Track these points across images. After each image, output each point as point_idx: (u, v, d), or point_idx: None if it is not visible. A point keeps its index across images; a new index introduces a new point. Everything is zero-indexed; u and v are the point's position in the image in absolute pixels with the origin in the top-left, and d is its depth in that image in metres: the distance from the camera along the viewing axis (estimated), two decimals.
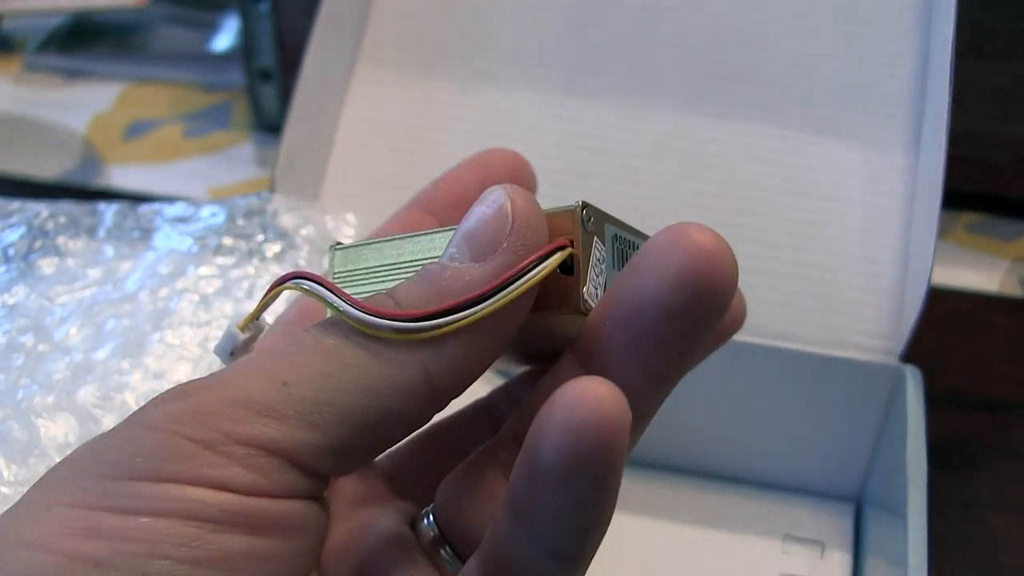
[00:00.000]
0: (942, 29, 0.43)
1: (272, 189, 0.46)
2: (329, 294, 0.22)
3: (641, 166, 0.45)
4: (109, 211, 0.45)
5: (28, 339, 0.39)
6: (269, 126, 0.66)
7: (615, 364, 0.21)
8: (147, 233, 0.43)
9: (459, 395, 0.22)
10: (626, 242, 0.24)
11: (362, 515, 0.26)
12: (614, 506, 0.20)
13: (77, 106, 0.70)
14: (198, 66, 0.73)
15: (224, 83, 0.71)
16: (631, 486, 0.46)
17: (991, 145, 0.59)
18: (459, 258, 0.22)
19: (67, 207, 0.45)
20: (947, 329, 0.54)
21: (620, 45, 0.47)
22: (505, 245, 0.21)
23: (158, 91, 0.71)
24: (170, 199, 0.47)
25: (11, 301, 0.41)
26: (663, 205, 0.45)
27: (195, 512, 0.20)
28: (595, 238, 0.22)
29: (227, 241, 0.44)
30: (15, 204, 0.45)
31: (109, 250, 0.42)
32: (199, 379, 0.21)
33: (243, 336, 0.24)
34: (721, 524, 0.45)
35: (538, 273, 0.21)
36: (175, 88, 0.71)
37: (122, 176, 0.64)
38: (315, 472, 0.21)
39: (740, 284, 0.23)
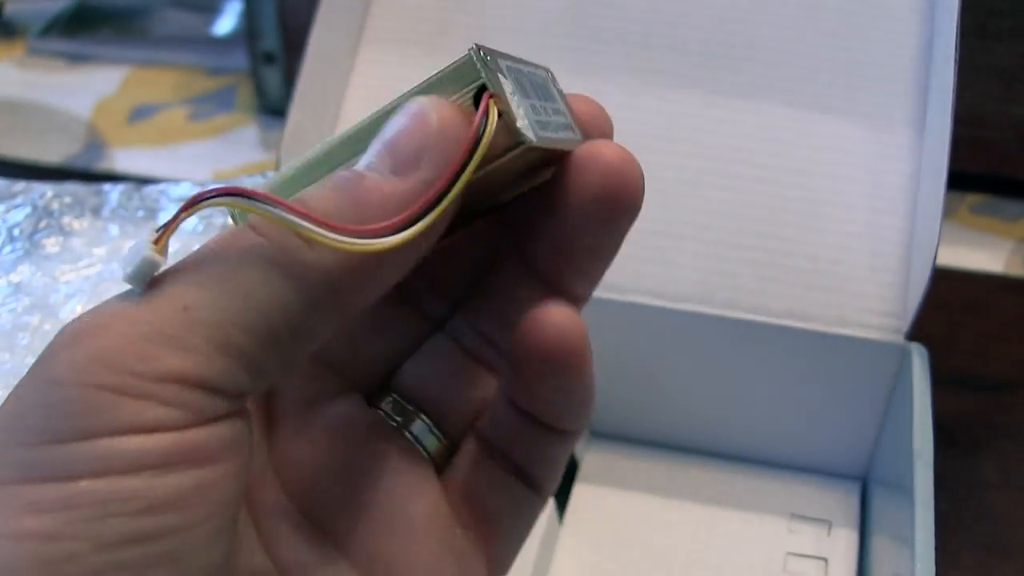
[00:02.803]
0: (947, 8, 0.43)
1: (277, 169, 0.46)
2: (267, 206, 0.20)
3: (646, 145, 0.45)
4: (114, 191, 0.45)
5: (34, 318, 0.40)
6: (273, 109, 0.66)
7: (548, 265, 0.25)
8: (152, 212, 0.43)
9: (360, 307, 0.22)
10: (520, 72, 0.24)
11: (320, 413, 0.25)
12: (593, 387, 0.24)
13: (81, 90, 0.70)
14: (201, 50, 0.73)
15: (227, 66, 0.71)
16: (637, 465, 0.47)
17: (995, 126, 0.58)
18: (378, 169, 0.21)
19: (72, 188, 0.45)
20: (952, 310, 0.54)
21: (625, 23, 0.47)
22: (426, 159, 0.21)
23: (161, 75, 0.71)
24: (175, 182, 0.47)
25: (16, 280, 0.41)
26: (668, 184, 0.44)
27: (134, 462, 0.19)
28: (499, 75, 0.22)
29: (232, 220, 0.44)
30: (20, 185, 0.45)
31: (114, 229, 0.42)
32: (101, 308, 0.20)
33: (163, 263, 0.20)
34: (727, 503, 0.45)
35: (457, 185, 0.21)
36: (178, 72, 0.71)
37: (126, 160, 0.64)
38: (236, 392, 0.20)
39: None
